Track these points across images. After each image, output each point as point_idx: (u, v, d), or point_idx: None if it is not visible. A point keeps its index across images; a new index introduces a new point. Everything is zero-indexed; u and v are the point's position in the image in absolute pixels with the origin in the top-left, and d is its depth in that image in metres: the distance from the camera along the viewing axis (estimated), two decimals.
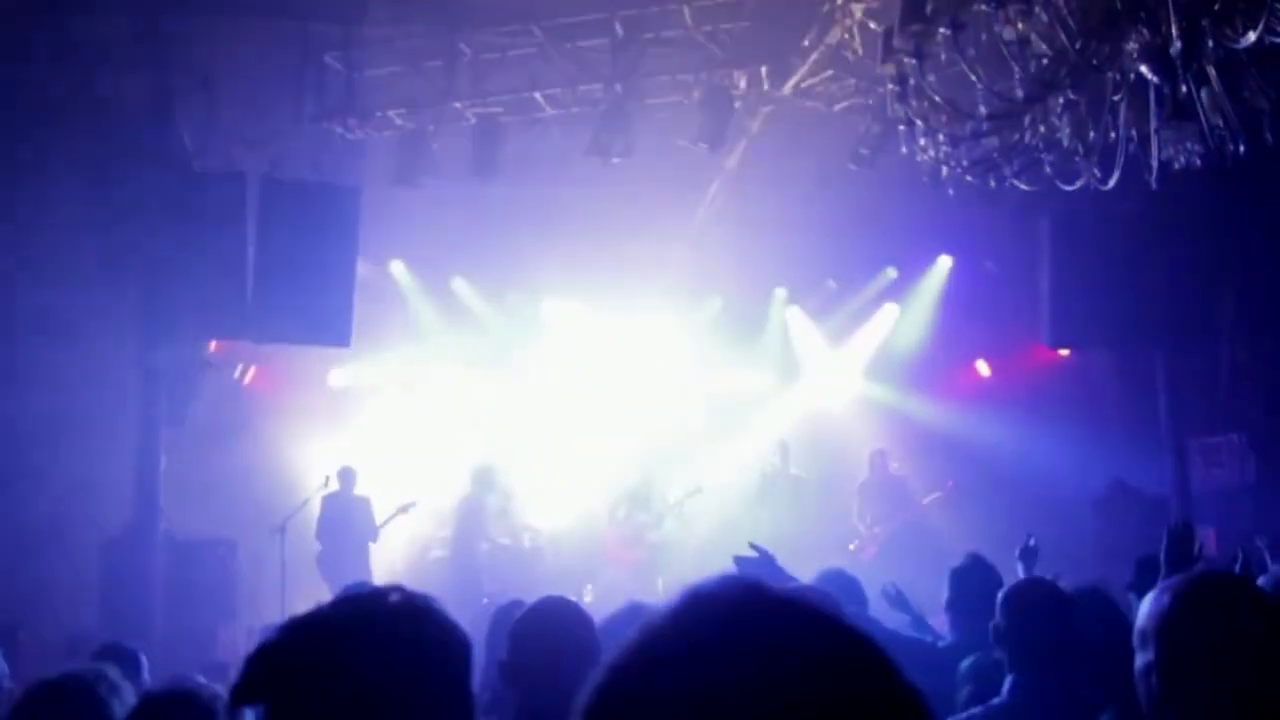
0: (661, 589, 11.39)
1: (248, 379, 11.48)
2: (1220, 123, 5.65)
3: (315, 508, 10.46)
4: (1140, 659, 2.30)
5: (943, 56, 5.07)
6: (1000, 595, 3.26)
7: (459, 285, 13.19)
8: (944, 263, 13.06)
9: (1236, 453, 11.10)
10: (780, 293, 13.60)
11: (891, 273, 13.39)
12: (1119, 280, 10.08)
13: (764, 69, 9.15)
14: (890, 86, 5.65)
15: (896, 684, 0.87)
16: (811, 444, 12.81)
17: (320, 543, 10.37)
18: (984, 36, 5.08)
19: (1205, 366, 11.18)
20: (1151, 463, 11.34)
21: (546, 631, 2.97)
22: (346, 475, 10.77)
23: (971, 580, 4.35)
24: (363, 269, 10.21)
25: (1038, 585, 3.40)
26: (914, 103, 5.50)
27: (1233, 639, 2.19)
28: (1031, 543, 5.05)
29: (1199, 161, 5.26)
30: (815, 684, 0.83)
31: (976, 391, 12.96)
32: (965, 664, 3.87)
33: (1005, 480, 11.57)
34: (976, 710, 3.05)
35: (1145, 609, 2.31)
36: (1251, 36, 4.55)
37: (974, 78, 5.11)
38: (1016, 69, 5.22)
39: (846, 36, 8.30)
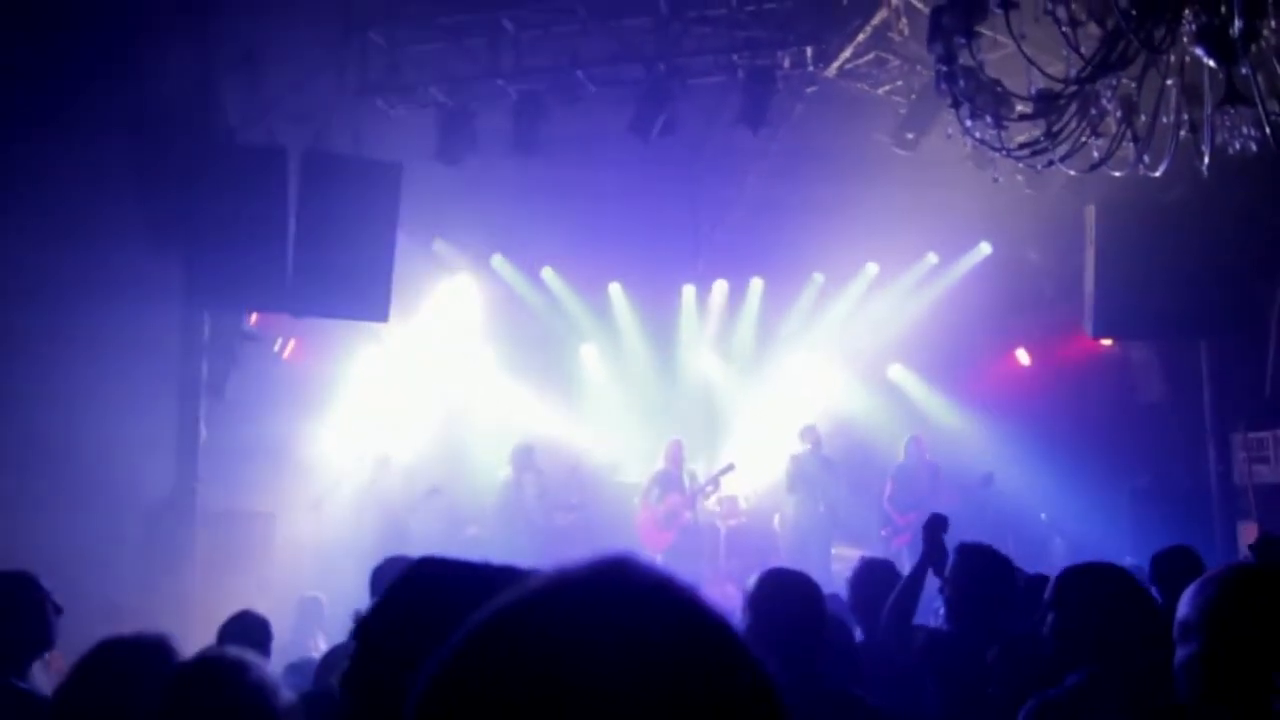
0: (696, 571, 11.44)
1: (287, 353, 11.55)
2: (1276, 107, 5.52)
3: (352, 485, 10.57)
4: (1182, 651, 2.24)
5: (996, 38, 4.98)
6: (1056, 581, 3.16)
7: (499, 263, 13.21)
8: (984, 249, 12.92)
9: None
10: (818, 277, 13.51)
11: (932, 258, 13.28)
12: (1165, 270, 9.91)
13: (809, 50, 9.05)
14: (938, 66, 5.56)
15: (745, 679, 0.84)
16: (846, 428, 12.75)
17: (356, 517, 10.46)
18: (1036, 20, 4.99)
19: (1251, 359, 10.98)
20: (1194, 456, 11.18)
21: (778, 599, 3.18)
22: (382, 451, 10.85)
23: (968, 567, 4.27)
24: (403, 245, 10.24)
25: (1097, 571, 3.27)
26: (962, 83, 5.41)
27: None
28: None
29: (1255, 146, 5.14)
30: (660, 677, 0.80)
31: (1016, 381, 12.82)
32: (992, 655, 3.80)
33: (1044, 471, 11.45)
34: (1056, 692, 2.98)
35: (1187, 600, 2.25)
36: None
37: (1024, 58, 5.01)
38: (1068, 51, 5.12)
39: (892, 18, 8.19)
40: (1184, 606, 2.28)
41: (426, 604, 1.57)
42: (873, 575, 4.74)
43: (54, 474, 8.61)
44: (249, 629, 4.24)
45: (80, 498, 8.56)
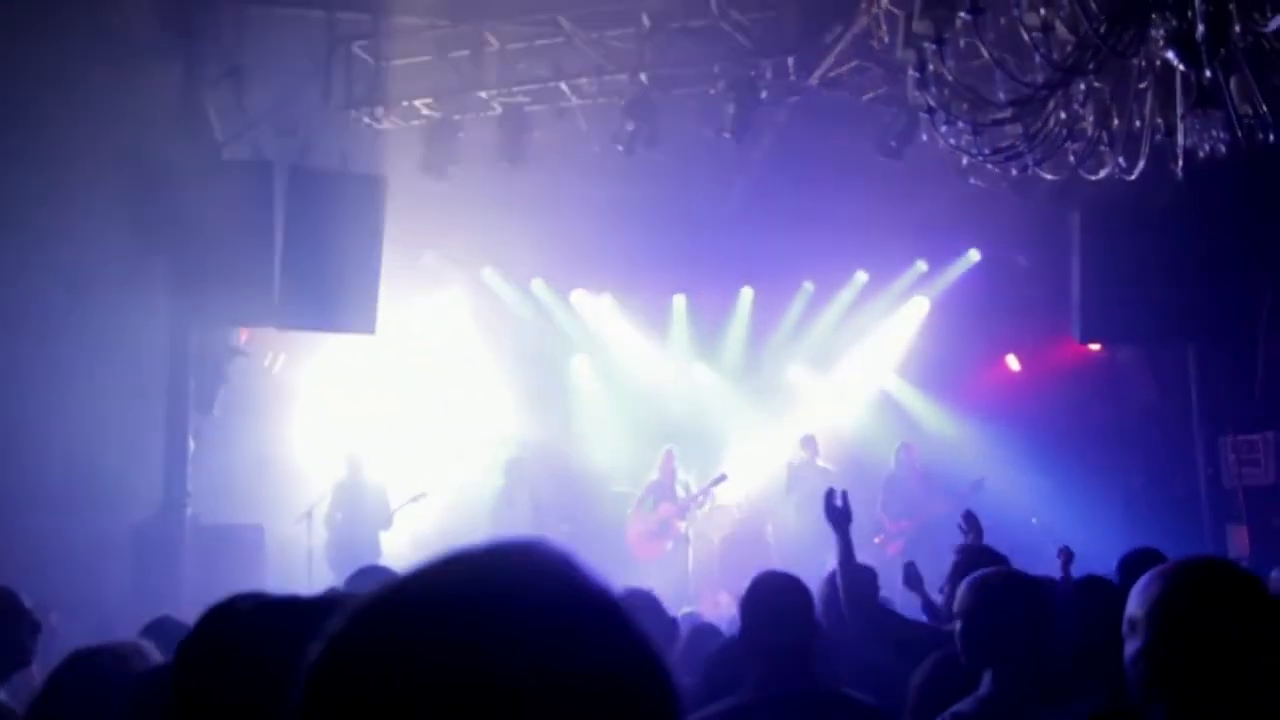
0: (690, 580, 11.43)
1: (277, 367, 11.57)
2: (1250, 111, 5.55)
3: (329, 495, 10.56)
4: (1130, 646, 2.26)
5: (962, 43, 5.01)
6: (962, 590, 3.19)
7: (489, 275, 13.24)
8: (973, 256, 12.96)
9: (1272, 451, 10.89)
10: (808, 286, 13.54)
11: (922, 266, 13.31)
12: (1151, 274, 9.95)
13: (790, 59, 9.09)
14: (911, 73, 5.59)
15: (635, 664, 0.86)
16: (838, 437, 12.77)
17: (329, 530, 10.41)
18: (1003, 21, 5.02)
19: (1240, 362, 11.00)
20: (1183, 460, 11.20)
21: (771, 601, 3.27)
22: (355, 461, 10.81)
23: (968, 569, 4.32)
24: (393, 258, 10.27)
25: (999, 575, 3.32)
26: (934, 89, 5.44)
27: (1224, 627, 2.15)
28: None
29: (1224, 149, 5.17)
30: (542, 654, 0.82)
31: (1007, 386, 12.84)
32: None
33: (1035, 476, 11.46)
34: (964, 706, 3.01)
35: (1134, 597, 2.27)
36: (1278, 21, 4.46)
37: (993, 62, 5.04)
38: (1039, 55, 5.15)
39: (873, 25, 8.22)
40: (1131, 603, 2.30)
41: (227, 657, 1.51)
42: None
43: (44, 489, 8.64)
44: (169, 634, 4.23)
45: (70, 512, 8.58)
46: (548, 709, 0.80)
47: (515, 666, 0.80)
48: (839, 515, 4.75)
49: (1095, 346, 11.63)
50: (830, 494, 4.82)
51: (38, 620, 4.12)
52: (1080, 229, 10.34)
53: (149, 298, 9.20)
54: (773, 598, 3.35)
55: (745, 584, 3.50)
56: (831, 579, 4.95)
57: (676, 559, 11.56)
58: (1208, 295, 10.21)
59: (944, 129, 5.80)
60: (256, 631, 1.48)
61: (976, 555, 4.37)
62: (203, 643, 1.51)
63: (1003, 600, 3.11)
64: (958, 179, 9.23)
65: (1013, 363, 13.13)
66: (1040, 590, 3.31)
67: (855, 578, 4.58)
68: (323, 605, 1.49)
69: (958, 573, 4.25)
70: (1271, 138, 5.64)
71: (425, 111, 9.90)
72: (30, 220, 8.77)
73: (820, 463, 12.04)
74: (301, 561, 9.96)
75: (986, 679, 3.03)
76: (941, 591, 4.63)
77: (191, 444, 9.56)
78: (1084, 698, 2.99)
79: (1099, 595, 3.71)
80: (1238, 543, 10.37)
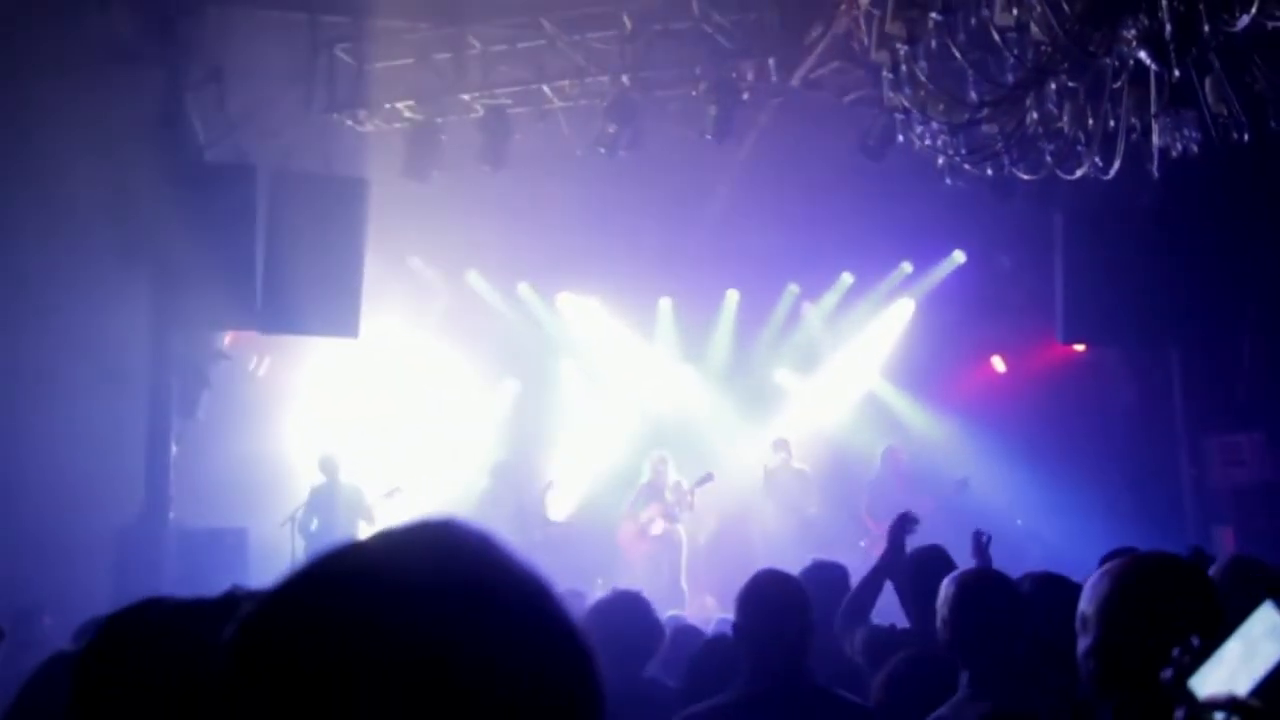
0: (682, 580, 11.43)
1: (262, 370, 11.55)
2: (1225, 111, 5.57)
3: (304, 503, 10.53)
4: (1081, 643, 2.27)
5: (933, 44, 5.04)
6: (945, 590, 3.22)
7: (474, 279, 13.22)
8: (958, 257, 12.97)
9: (1258, 451, 10.92)
10: (793, 288, 13.54)
11: (907, 267, 13.32)
12: (1133, 275, 9.98)
13: (771, 60, 9.11)
14: (885, 74, 5.60)
15: (562, 639, 0.87)
16: (824, 438, 12.78)
17: (304, 539, 10.35)
18: (973, 21, 5.04)
19: (1224, 362, 11.02)
20: (1168, 460, 11.21)
21: (768, 598, 3.36)
22: (329, 463, 10.78)
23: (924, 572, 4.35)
24: (378, 261, 10.25)
25: (984, 576, 3.36)
26: (909, 90, 5.45)
27: (1171, 623, 2.16)
28: (985, 539, 4.98)
29: (1196, 149, 5.19)
30: (465, 624, 0.83)
31: (992, 388, 12.85)
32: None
33: (1020, 477, 11.47)
34: (944, 710, 3.03)
35: (1086, 593, 2.29)
36: (1245, 20, 4.48)
37: (964, 63, 5.05)
38: (1011, 55, 5.17)
39: (853, 26, 8.24)
40: (1083, 600, 2.32)
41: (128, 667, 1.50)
42: (819, 576, 4.77)
43: (25, 492, 8.62)
44: None
45: (52, 515, 8.56)
46: (462, 679, 0.81)
47: (426, 639, 0.82)
48: (900, 537, 4.76)
49: (1079, 347, 11.65)
50: (906, 518, 4.82)
51: (1, 628, 4.12)
52: (1063, 230, 10.37)
53: (131, 301, 9.19)
54: (770, 594, 3.41)
55: (730, 586, 3.52)
56: (811, 570, 4.95)
57: (664, 560, 11.55)
58: (1190, 295, 10.25)
59: (919, 129, 5.82)
60: (154, 633, 1.49)
61: (931, 558, 4.39)
62: (101, 647, 1.52)
63: (988, 597, 3.15)
64: (941, 179, 9.25)
65: (998, 364, 13.14)
66: (1018, 589, 3.36)
67: (866, 600, 4.58)
68: (223, 606, 1.50)
69: (916, 577, 4.27)
70: (1246, 137, 5.66)
71: (407, 114, 9.91)
72: (10, 223, 8.76)
73: (795, 464, 12.06)
74: (285, 565, 9.90)
75: (964, 681, 3.05)
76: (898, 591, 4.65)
77: (174, 447, 9.54)
78: (1046, 695, 3.00)
79: (1063, 593, 3.74)
80: (1223, 544, 10.39)
